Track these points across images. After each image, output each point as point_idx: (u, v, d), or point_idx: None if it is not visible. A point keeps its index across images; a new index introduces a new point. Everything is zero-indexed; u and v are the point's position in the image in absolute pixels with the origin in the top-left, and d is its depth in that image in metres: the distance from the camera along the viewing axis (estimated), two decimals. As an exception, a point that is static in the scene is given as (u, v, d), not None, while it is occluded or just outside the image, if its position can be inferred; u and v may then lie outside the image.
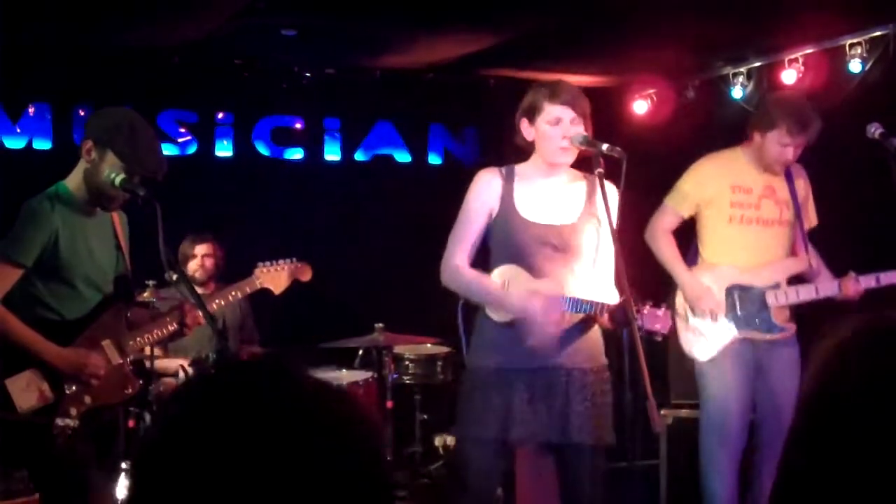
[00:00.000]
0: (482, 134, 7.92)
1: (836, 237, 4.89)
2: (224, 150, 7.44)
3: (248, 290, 4.33)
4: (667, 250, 4.70)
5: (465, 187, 3.94)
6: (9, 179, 5.90)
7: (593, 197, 3.80)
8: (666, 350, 4.90)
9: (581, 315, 3.76)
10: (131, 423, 5.54)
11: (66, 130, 6.89)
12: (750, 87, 6.78)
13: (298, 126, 7.66)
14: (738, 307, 4.61)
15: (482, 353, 3.80)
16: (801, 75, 6.39)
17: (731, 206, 4.63)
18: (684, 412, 5.55)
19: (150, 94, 6.84)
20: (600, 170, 3.64)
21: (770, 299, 4.59)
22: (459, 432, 3.93)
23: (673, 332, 4.22)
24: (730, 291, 4.63)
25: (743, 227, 4.63)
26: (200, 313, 3.79)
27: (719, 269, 4.67)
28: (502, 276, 3.77)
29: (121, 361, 3.76)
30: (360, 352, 6.28)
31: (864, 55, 6.10)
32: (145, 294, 5.24)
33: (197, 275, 6.13)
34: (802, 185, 4.74)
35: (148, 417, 5.62)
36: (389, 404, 5.90)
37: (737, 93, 6.85)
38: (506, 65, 7.22)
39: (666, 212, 4.75)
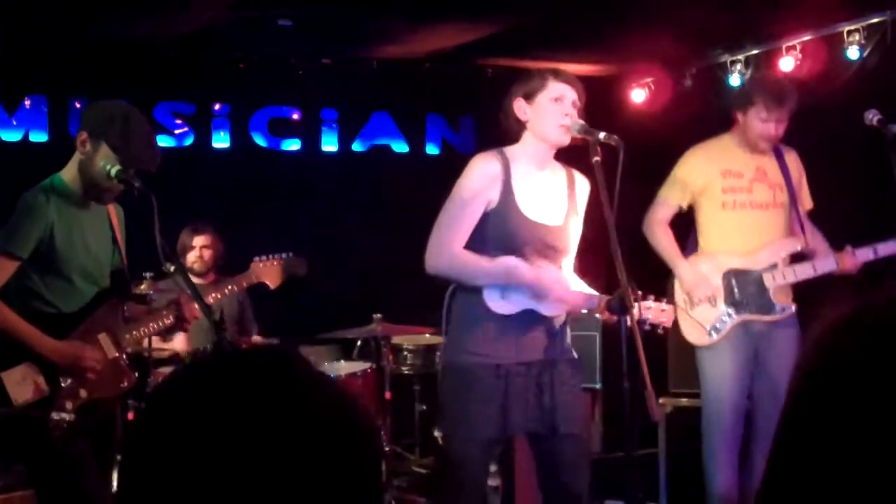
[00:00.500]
0: (480, 124, 7.91)
1: (834, 224, 4.89)
2: (221, 141, 7.44)
3: (244, 283, 4.33)
4: (663, 241, 4.73)
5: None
6: (5, 172, 5.91)
7: (573, 191, 3.85)
8: (664, 339, 4.90)
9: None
10: (130, 416, 5.55)
11: (62, 123, 6.89)
12: (748, 74, 6.76)
13: (295, 117, 7.65)
14: (736, 291, 4.63)
15: (479, 348, 3.70)
16: (798, 62, 6.38)
17: (722, 191, 4.65)
18: (683, 401, 5.56)
19: (147, 85, 6.83)
20: (597, 159, 3.62)
21: (768, 281, 4.61)
22: (453, 430, 3.80)
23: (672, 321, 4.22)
24: (727, 276, 4.65)
25: (737, 212, 4.65)
26: (197, 306, 3.79)
27: (716, 256, 4.69)
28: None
29: (117, 355, 3.75)
30: (359, 342, 6.29)
31: (862, 42, 6.08)
32: (142, 286, 5.23)
33: (195, 266, 6.13)
34: (795, 167, 4.75)
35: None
36: (388, 395, 5.91)
37: (734, 81, 6.83)
38: (503, 54, 7.21)
39: (660, 203, 4.77)
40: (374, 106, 7.78)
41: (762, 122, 4.57)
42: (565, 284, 3.76)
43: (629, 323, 3.47)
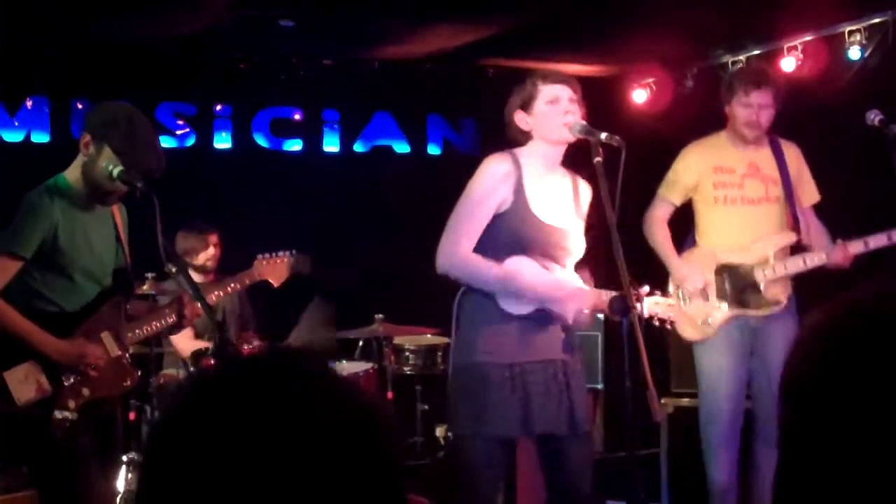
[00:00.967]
0: (481, 124, 7.91)
1: (836, 223, 4.89)
2: (223, 142, 7.44)
3: (247, 281, 4.34)
4: (658, 238, 4.77)
5: (465, 178, 3.91)
6: (7, 172, 5.91)
7: (578, 195, 3.86)
8: (666, 339, 4.91)
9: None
10: (132, 416, 5.56)
11: (63, 124, 6.90)
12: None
13: (297, 117, 7.66)
14: (728, 286, 4.65)
15: (492, 349, 3.67)
16: (800, 63, 6.38)
17: (714, 187, 4.68)
18: (685, 401, 5.56)
19: (149, 86, 6.84)
20: (599, 159, 3.62)
21: (759, 275, 4.62)
22: (464, 431, 3.74)
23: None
24: (719, 271, 4.67)
25: (728, 208, 4.68)
26: (199, 305, 3.79)
27: (709, 251, 4.72)
28: (515, 266, 3.71)
29: (119, 353, 3.76)
30: (361, 343, 6.29)
31: (864, 42, 6.09)
32: (145, 286, 5.24)
33: (209, 264, 6.13)
34: (794, 161, 4.75)
35: (149, 410, 5.64)
36: (390, 395, 5.91)
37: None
38: (504, 54, 7.21)
39: (658, 201, 4.82)
40: (375, 106, 7.79)
41: (744, 108, 4.59)
42: (574, 289, 3.74)
43: (631, 323, 3.48)
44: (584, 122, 3.70)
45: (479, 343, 3.70)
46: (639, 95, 7.59)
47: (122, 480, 5.07)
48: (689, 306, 4.68)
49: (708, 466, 4.68)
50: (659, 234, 4.77)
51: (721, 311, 4.65)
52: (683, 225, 4.85)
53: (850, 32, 6.14)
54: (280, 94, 7.52)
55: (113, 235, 3.86)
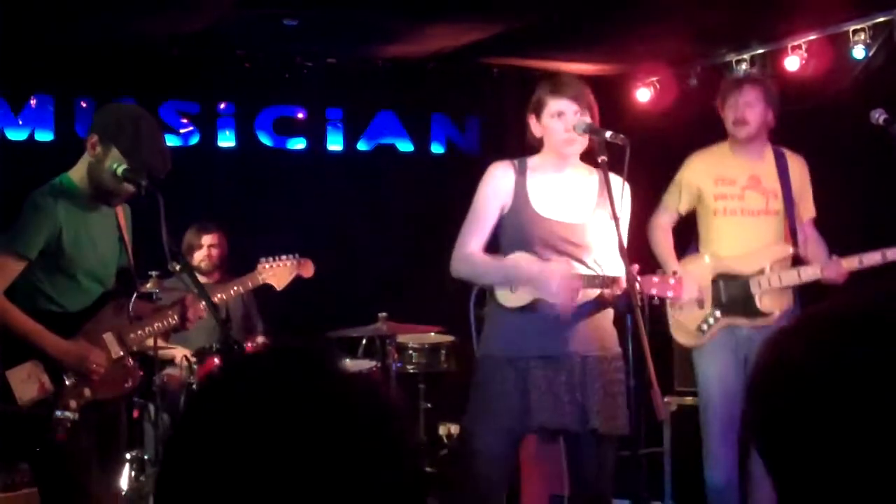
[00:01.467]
0: (485, 123, 7.91)
1: (839, 224, 4.89)
2: (226, 140, 7.44)
3: (250, 284, 4.34)
4: (660, 245, 4.82)
5: (468, 177, 3.95)
6: (11, 171, 5.92)
7: (603, 190, 3.80)
8: (670, 338, 4.92)
9: (594, 296, 3.77)
10: (135, 414, 5.56)
11: (67, 122, 6.90)
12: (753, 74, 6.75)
13: (301, 116, 7.65)
14: (723, 295, 4.70)
15: (494, 343, 3.82)
16: (804, 62, 6.37)
17: (714, 198, 4.73)
18: (688, 400, 5.56)
19: (152, 85, 6.84)
20: (603, 157, 3.65)
21: (754, 286, 4.65)
22: (471, 423, 3.88)
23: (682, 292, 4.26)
24: (716, 280, 4.71)
25: (728, 219, 4.72)
26: (202, 306, 3.80)
27: (707, 259, 4.76)
28: (514, 259, 3.81)
29: (122, 354, 3.76)
30: (364, 341, 6.29)
31: (868, 41, 6.07)
32: (148, 285, 5.24)
33: (203, 264, 6.13)
34: (798, 174, 4.75)
35: (152, 408, 5.64)
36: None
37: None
38: (508, 53, 7.20)
39: (662, 208, 4.88)
40: (379, 105, 7.78)
41: (730, 110, 4.66)
42: (571, 277, 3.72)
43: (635, 321, 3.48)
44: (588, 121, 3.73)
45: (486, 338, 3.89)
46: (643, 94, 7.58)
47: (125, 479, 5.08)
48: (684, 313, 4.74)
49: (705, 468, 4.70)
50: (661, 241, 4.82)
51: (715, 318, 4.70)
52: (687, 232, 4.86)
53: (855, 31, 6.13)
54: (284, 93, 7.51)
55: (116, 235, 3.86)
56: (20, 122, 6.85)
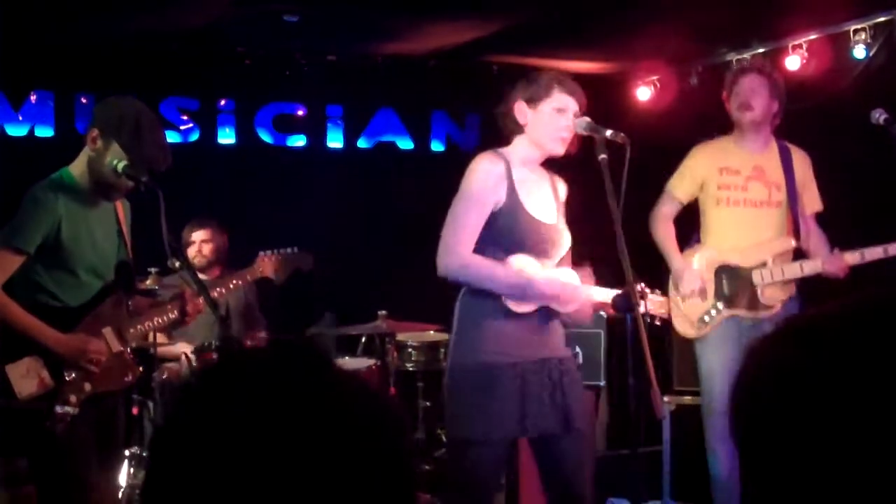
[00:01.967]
0: (485, 121, 7.89)
1: (840, 222, 4.89)
2: (226, 137, 7.44)
3: (249, 278, 4.34)
4: (662, 234, 4.84)
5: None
6: (11, 167, 5.91)
7: (557, 192, 3.89)
8: (669, 337, 4.93)
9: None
10: (135, 411, 5.56)
11: (68, 118, 6.90)
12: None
13: (301, 113, 7.65)
14: (725, 286, 4.72)
15: (498, 347, 3.64)
16: (804, 61, 6.37)
17: (718, 188, 4.75)
18: (687, 398, 5.57)
19: (152, 81, 6.83)
20: (603, 156, 3.64)
21: (756, 278, 4.68)
22: (470, 431, 3.62)
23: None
24: (718, 272, 4.74)
25: (731, 209, 4.74)
26: (201, 301, 3.79)
27: (710, 251, 4.78)
28: (518, 264, 3.70)
29: (121, 349, 3.76)
30: (363, 339, 6.29)
31: (869, 41, 6.07)
32: (148, 281, 5.24)
33: (196, 261, 6.10)
34: (801, 168, 4.79)
35: (151, 404, 5.64)
36: (392, 391, 5.90)
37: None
38: (509, 51, 7.20)
39: (665, 198, 4.89)
40: (379, 102, 7.78)
41: (735, 97, 4.71)
42: (580, 287, 3.77)
43: (635, 320, 3.48)
44: (588, 120, 3.71)
45: (482, 342, 3.66)
46: (643, 93, 7.58)
47: (123, 475, 5.08)
48: (687, 304, 4.76)
49: (709, 458, 4.73)
50: (663, 230, 4.84)
51: (718, 310, 4.73)
52: (690, 223, 4.87)
53: (855, 31, 6.13)
54: (284, 90, 7.51)
55: (115, 230, 3.86)
56: (20, 118, 6.85)
